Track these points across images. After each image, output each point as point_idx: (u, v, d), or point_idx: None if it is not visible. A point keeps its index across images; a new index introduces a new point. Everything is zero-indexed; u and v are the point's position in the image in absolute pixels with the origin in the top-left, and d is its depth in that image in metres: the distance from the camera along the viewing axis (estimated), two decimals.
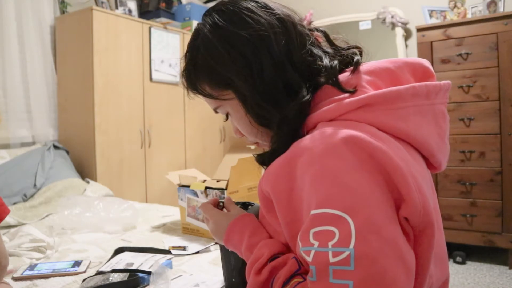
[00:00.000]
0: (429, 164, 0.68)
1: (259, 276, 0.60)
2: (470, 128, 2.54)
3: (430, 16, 2.89)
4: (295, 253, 0.60)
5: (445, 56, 2.62)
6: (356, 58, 0.67)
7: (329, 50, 0.69)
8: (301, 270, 0.58)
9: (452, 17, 2.79)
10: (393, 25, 3.13)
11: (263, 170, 0.70)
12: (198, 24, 0.70)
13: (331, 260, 0.49)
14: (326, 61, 0.65)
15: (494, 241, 2.49)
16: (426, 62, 0.68)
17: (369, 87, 0.62)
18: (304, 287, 0.55)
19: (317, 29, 0.71)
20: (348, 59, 0.68)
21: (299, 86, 0.63)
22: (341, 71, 0.66)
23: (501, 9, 2.56)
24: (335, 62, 0.65)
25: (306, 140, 0.58)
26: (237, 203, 0.85)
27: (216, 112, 0.73)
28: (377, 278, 0.47)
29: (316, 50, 0.67)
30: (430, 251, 0.56)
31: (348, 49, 0.70)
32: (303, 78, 0.64)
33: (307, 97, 0.63)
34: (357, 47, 0.70)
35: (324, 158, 0.54)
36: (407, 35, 3.18)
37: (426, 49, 2.68)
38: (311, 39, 0.67)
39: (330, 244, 0.50)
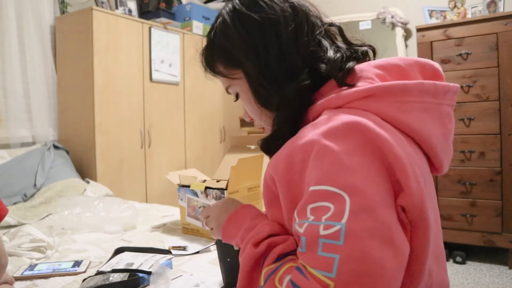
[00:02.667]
0: (431, 165, 0.68)
1: (257, 248, 0.60)
2: (470, 128, 2.54)
3: (430, 16, 2.89)
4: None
5: (445, 56, 2.62)
6: (367, 54, 0.70)
7: (342, 45, 0.71)
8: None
9: (452, 17, 2.79)
10: (393, 25, 3.13)
11: (263, 170, 0.71)
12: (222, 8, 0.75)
13: (321, 232, 0.50)
14: (330, 52, 0.66)
15: (494, 241, 2.49)
16: (436, 64, 0.69)
17: (377, 80, 0.63)
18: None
19: (332, 24, 0.72)
20: (359, 55, 0.70)
21: (301, 71, 0.65)
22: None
23: (501, 9, 2.56)
24: (338, 55, 0.66)
25: (310, 125, 0.59)
26: None
27: (228, 92, 0.76)
28: (362, 256, 0.48)
29: (324, 42, 0.68)
30: (425, 243, 0.56)
31: (361, 46, 0.71)
32: (306, 64, 0.66)
33: (307, 81, 0.65)
34: (370, 46, 0.72)
35: (326, 139, 0.54)
36: (407, 35, 3.18)
37: (426, 49, 2.67)
38: (321, 30, 0.69)
39: (323, 218, 0.51)
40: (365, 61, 0.70)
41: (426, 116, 0.63)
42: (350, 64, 0.65)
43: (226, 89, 0.76)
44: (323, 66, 0.65)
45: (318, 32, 0.68)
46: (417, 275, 0.57)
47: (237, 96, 0.75)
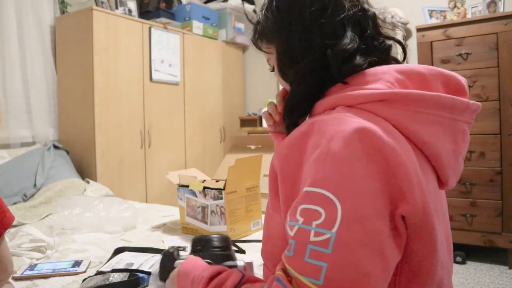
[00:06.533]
0: (438, 179, 0.66)
1: None
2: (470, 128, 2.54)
3: (430, 16, 2.89)
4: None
5: (445, 56, 2.62)
6: (389, 49, 0.70)
7: (370, 31, 0.70)
8: (246, 276, 0.60)
9: (452, 17, 2.79)
10: (393, 25, 3.13)
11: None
12: None
13: (312, 238, 0.50)
14: (345, 41, 0.65)
15: (494, 241, 2.49)
16: (462, 79, 0.67)
17: (396, 85, 0.62)
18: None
19: (366, 9, 0.71)
20: (380, 47, 0.70)
21: (319, 50, 0.66)
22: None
23: (501, 9, 2.56)
24: (350, 46, 0.65)
25: (322, 121, 0.59)
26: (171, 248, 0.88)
27: (269, 64, 0.82)
28: (350, 266, 0.48)
29: (348, 26, 0.67)
30: (432, 252, 0.56)
31: (388, 39, 0.72)
32: (325, 45, 0.66)
33: (321, 61, 0.66)
34: (399, 42, 0.73)
35: (332, 142, 0.54)
36: (407, 35, 3.18)
37: (426, 49, 2.67)
38: (347, 13, 0.67)
39: (314, 223, 0.51)
40: (386, 59, 0.70)
41: (438, 130, 0.61)
42: (359, 60, 0.64)
43: (267, 61, 0.81)
44: (329, 51, 0.65)
45: (343, 15, 0.66)
46: (424, 282, 0.56)
47: (273, 68, 0.80)
